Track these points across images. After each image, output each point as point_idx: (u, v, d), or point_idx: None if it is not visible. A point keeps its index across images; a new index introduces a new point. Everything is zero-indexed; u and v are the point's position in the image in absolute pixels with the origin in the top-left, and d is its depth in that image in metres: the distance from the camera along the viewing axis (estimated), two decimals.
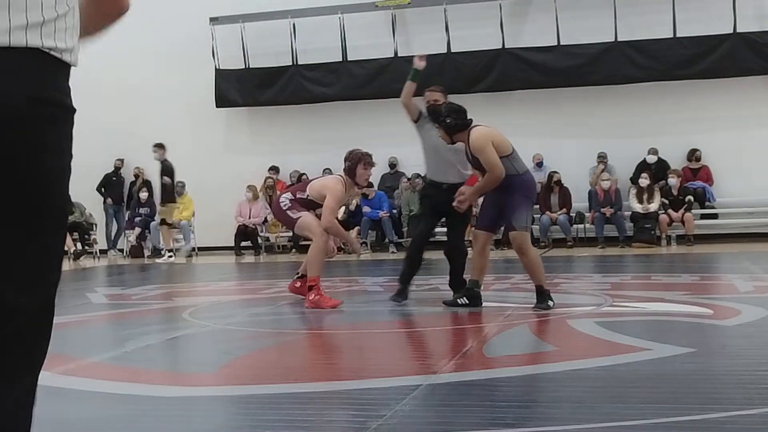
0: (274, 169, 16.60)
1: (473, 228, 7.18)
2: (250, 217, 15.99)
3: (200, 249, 16.36)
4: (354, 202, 15.50)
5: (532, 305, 6.54)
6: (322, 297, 7.13)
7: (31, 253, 1.68)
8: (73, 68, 1.71)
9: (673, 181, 14.55)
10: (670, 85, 14.95)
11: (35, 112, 1.59)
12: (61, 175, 1.70)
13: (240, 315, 7.36)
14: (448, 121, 6.63)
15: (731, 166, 14.94)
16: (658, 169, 14.93)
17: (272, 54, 16.43)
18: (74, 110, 1.73)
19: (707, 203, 14.92)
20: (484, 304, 6.77)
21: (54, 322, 1.78)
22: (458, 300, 6.82)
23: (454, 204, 6.76)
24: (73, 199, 16.48)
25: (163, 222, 15.46)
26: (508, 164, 6.47)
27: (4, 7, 1.55)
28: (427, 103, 7.30)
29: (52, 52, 1.62)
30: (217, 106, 16.70)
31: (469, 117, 6.70)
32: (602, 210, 14.44)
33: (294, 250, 15.57)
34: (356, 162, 7.29)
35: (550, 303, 6.45)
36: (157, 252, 16.23)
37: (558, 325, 5.99)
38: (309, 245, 7.54)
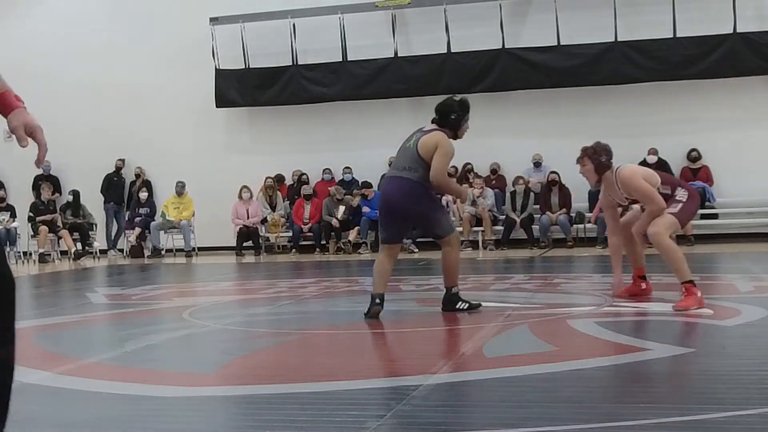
0: (279, 179, 16.57)
1: None
2: (248, 218, 15.97)
3: (200, 249, 16.35)
4: (355, 201, 15.49)
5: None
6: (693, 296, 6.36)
7: None
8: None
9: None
10: (670, 85, 14.95)
11: None
12: None
13: (240, 315, 7.36)
14: None
15: (731, 166, 14.93)
16: (658, 170, 14.92)
17: (272, 54, 16.42)
18: None
19: (707, 203, 14.89)
20: (484, 303, 6.77)
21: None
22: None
23: None
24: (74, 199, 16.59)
25: None
26: None
27: None
28: None
29: None
30: (217, 106, 16.70)
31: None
32: None
33: (294, 250, 15.58)
34: None
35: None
36: (157, 252, 16.25)
37: (558, 325, 5.99)
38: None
